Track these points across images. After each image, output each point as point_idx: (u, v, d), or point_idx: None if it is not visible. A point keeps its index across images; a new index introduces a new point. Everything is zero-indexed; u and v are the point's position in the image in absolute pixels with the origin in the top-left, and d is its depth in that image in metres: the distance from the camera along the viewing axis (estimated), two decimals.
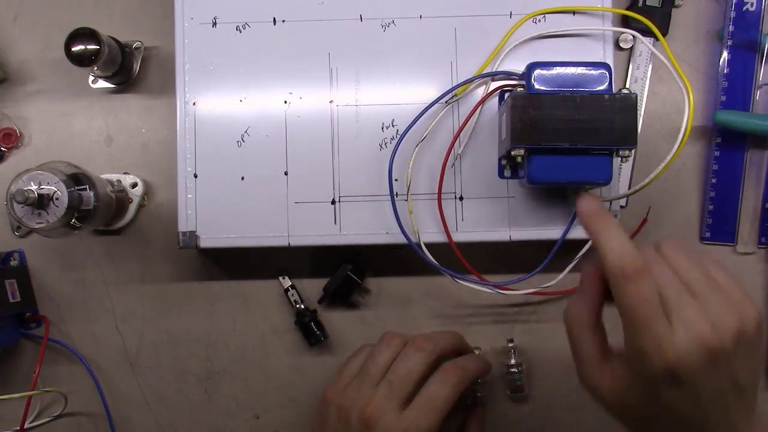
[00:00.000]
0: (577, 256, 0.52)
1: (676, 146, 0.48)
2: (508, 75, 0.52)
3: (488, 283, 0.52)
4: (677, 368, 0.34)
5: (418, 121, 0.52)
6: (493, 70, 0.52)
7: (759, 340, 0.36)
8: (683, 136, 0.48)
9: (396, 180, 0.52)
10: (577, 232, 0.52)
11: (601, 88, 0.46)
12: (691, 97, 0.48)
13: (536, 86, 0.47)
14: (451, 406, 0.45)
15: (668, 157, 0.48)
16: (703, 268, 0.37)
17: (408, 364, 0.45)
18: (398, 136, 0.52)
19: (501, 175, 0.52)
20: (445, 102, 0.52)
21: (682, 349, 0.34)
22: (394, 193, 0.52)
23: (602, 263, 0.37)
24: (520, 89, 0.47)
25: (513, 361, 0.55)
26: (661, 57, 0.51)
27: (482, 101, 0.51)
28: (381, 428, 0.43)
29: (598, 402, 0.39)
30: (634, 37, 0.56)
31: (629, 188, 0.56)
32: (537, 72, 0.47)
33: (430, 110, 0.52)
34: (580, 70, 0.47)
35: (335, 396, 0.47)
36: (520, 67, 0.49)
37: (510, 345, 0.55)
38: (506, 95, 0.51)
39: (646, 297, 0.35)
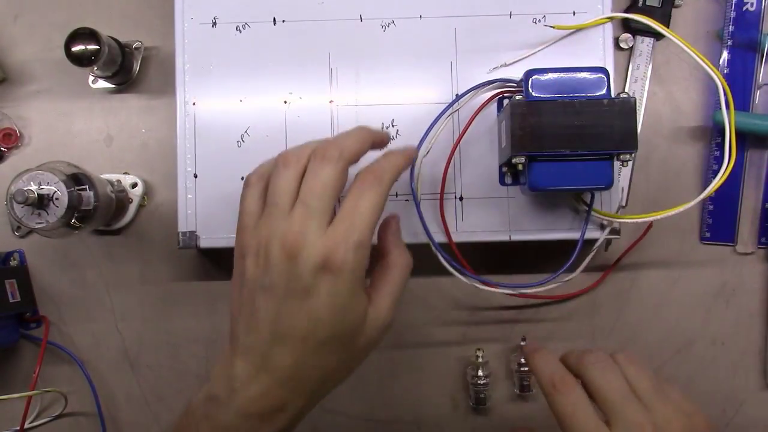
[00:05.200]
0: (591, 251, 0.52)
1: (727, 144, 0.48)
2: (506, 82, 0.52)
3: (509, 285, 0.52)
4: None
5: (418, 122, 0.52)
6: (490, 79, 0.52)
7: None
8: (730, 130, 0.48)
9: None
10: (591, 233, 0.52)
11: (600, 92, 0.46)
12: (728, 89, 0.49)
13: (534, 93, 0.47)
14: (380, 214, 0.39)
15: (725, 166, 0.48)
16: (654, 380, 0.41)
17: (318, 179, 0.38)
18: (419, 149, 0.51)
19: (502, 182, 0.52)
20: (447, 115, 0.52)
21: None
22: (394, 193, 0.52)
23: (539, 384, 0.42)
24: (518, 97, 0.47)
25: (524, 360, 0.55)
26: (689, 51, 0.50)
27: (480, 109, 0.51)
28: (307, 253, 0.36)
29: None
30: (633, 37, 0.57)
31: (629, 189, 0.56)
32: (534, 78, 0.47)
33: (430, 111, 0.52)
34: (578, 75, 0.47)
35: (247, 240, 0.39)
36: (518, 74, 0.49)
37: (523, 343, 0.55)
38: (505, 102, 0.51)
39: (576, 403, 0.40)
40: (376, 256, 0.42)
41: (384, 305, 0.41)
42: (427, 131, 0.51)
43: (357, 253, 0.37)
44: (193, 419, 0.41)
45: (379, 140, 0.42)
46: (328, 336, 0.38)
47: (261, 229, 0.39)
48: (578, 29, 0.52)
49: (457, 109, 0.52)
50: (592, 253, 0.52)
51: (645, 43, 0.57)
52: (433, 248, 0.51)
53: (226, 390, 0.39)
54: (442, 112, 0.52)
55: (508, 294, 0.52)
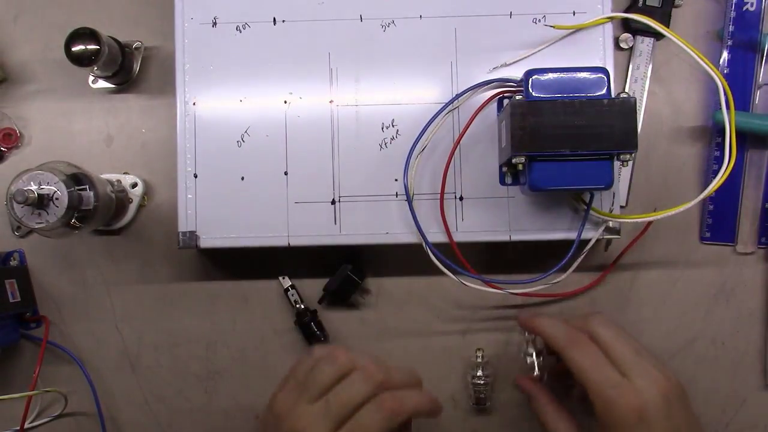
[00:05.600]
0: (583, 251, 0.52)
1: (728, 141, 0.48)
2: (506, 82, 0.52)
3: (504, 282, 0.52)
4: (643, 409, 0.42)
5: (418, 122, 0.52)
6: (490, 78, 0.52)
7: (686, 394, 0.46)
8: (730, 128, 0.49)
9: (396, 180, 0.52)
10: (587, 233, 0.52)
11: (600, 92, 0.46)
12: (728, 89, 0.49)
13: (534, 93, 0.47)
14: None
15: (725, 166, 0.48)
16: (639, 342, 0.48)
17: (351, 391, 0.42)
18: (408, 148, 0.52)
19: (502, 182, 0.52)
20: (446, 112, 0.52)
21: (645, 392, 0.43)
22: (394, 193, 0.52)
23: (552, 345, 0.47)
24: (518, 96, 0.47)
25: (531, 350, 0.53)
26: (689, 51, 0.50)
27: (480, 108, 0.51)
28: None
29: None
30: (633, 37, 0.57)
31: (629, 189, 0.56)
32: (534, 78, 0.47)
33: (430, 111, 0.52)
34: (578, 75, 0.47)
35: (277, 400, 0.45)
36: (518, 73, 0.49)
37: (529, 336, 0.53)
38: (505, 102, 0.51)
39: (594, 354, 0.45)
40: None
41: None
42: (424, 128, 0.51)
43: None
44: None
45: (418, 384, 0.46)
46: None
47: (289, 399, 0.44)
48: (578, 29, 0.52)
49: (456, 107, 0.52)
50: (584, 254, 0.52)
51: (645, 43, 0.57)
52: (426, 247, 0.51)
53: None
54: (440, 110, 0.52)
55: (510, 293, 0.53)
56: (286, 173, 0.53)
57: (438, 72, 0.53)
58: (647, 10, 0.56)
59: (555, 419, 0.49)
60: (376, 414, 0.42)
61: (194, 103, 0.53)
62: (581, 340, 0.46)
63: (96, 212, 0.51)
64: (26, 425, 0.55)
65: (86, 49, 0.52)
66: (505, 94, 0.52)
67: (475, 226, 0.52)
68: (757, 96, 0.56)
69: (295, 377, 0.45)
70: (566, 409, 0.50)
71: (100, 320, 0.57)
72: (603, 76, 0.47)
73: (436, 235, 0.52)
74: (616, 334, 0.47)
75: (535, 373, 0.53)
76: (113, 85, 0.58)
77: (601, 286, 0.57)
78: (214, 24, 0.53)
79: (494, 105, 0.52)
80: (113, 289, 0.58)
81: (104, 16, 0.58)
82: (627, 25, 0.57)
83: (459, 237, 0.52)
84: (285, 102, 0.53)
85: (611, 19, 0.52)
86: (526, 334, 0.54)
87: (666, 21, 0.56)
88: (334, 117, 0.53)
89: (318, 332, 0.55)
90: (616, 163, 0.47)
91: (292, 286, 0.56)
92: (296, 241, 0.52)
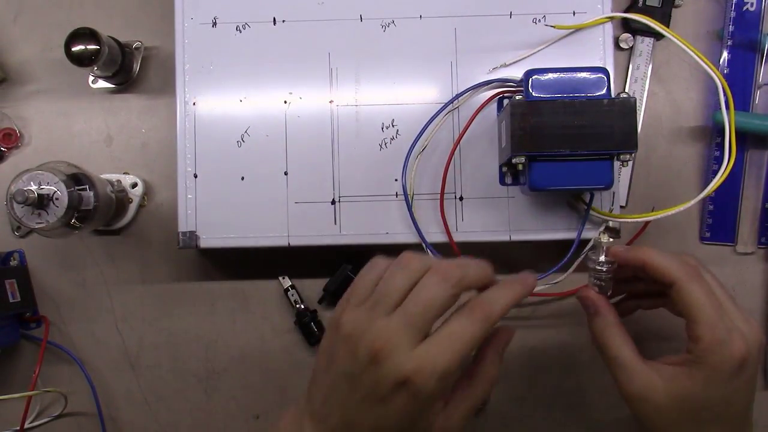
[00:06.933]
0: (583, 251, 0.52)
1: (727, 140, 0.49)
2: (506, 82, 0.52)
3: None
4: (744, 358, 0.40)
5: (418, 122, 0.52)
6: (490, 78, 0.52)
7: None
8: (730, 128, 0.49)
9: (395, 180, 0.52)
10: (587, 233, 0.52)
11: (600, 92, 0.46)
12: (728, 89, 0.49)
13: (534, 93, 0.47)
14: (476, 347, 0.38)
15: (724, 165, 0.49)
16: None
17: (429, 294, 0.37)
18: (408, 148, 0.52)
19: (502, 182, 0.52)
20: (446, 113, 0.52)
21: (749, 341, 0.41)
22: (394, 193, 0.52)
23: (664, 276, 0.42)
24: (518, 97, 0.47)
25: (602, 258, 0.46)
26: (689, 51, 0.50)
27: (480, 108, 0.51)
28: (392, 364, 0.36)
29: (640, 408, 0.42)
30: (633, 37, 0.57)
31: (629, 189, 0.56)
32: (534, 78, 0.47)
33: (430, 111, 0.52)
34: (578, 75, 0.47)
35: (344, 322, 0.39)
36: (518, 73, 0.49)
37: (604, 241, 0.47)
38: (505, 102, 0.52)
39: (712, 293, 0.41)
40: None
41: (456, 419, 0.39)
42: (423, 128, 0.52)
43: (440, 382, 0.36)
44: None
45: (492, 275, 0.41)
46: None
47: (360, 317, 0.38)
48: (578, 29, 0.52)
49: (456, 107, 0.52)
50: (584, 254, 0.52)
51: (645, 43, 0.57)
52: (425, 248, 0.51)
53: None
54: (440, 110, 0.52)
55: None
56: (286, 173, 0.53)
57: (438, 72, 0.53)
58: (647, 10, 0.56)
59: (619, 343, 0.43)
60: (469, 322, 0.37)
61: (194, 103, 0.53)
62: (699, 275, 0.42)
63: (96, 212, 0.51)
64: (26, 425, 0.55)
65: (86, 49, 0.52)
66: (505, 94, 0.52)
67: (475, 226, 0.52)
68: (757, 96, 0.56)
69: (357, 295, 0.39)
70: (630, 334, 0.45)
71: (100, 320, 0.57)
72: (603, 76, 0.47)
73: (436, 235, 0.52)
74: (718, 281, 0.43)
75: (607, 292, 0.47)
76: (113, 85, 0.58)
77: None
78: (214, 24, 0.53)
79: (494, 105, 0.52)
80: (113, 289, 0.58)
81: (104, 16, 0.58)
82: (627, 25, 0.57)
83: (459, 237, 0.52)
84: (285, 102, 0.53)
85: (611, 19, 0.52)
86: (602, 256, 0.46)
87: (666, 21, 0.56)
88: (334, 117, 0.53)
89: (318, 332, 0.55)
90: (616, 163, 0.47)
91: (292, 286, 0.56)
92: (296, 241, 0.52)
